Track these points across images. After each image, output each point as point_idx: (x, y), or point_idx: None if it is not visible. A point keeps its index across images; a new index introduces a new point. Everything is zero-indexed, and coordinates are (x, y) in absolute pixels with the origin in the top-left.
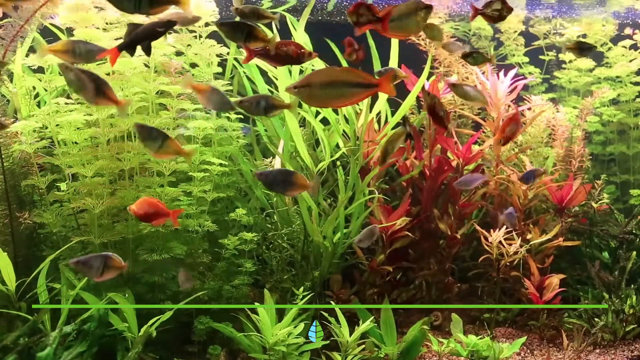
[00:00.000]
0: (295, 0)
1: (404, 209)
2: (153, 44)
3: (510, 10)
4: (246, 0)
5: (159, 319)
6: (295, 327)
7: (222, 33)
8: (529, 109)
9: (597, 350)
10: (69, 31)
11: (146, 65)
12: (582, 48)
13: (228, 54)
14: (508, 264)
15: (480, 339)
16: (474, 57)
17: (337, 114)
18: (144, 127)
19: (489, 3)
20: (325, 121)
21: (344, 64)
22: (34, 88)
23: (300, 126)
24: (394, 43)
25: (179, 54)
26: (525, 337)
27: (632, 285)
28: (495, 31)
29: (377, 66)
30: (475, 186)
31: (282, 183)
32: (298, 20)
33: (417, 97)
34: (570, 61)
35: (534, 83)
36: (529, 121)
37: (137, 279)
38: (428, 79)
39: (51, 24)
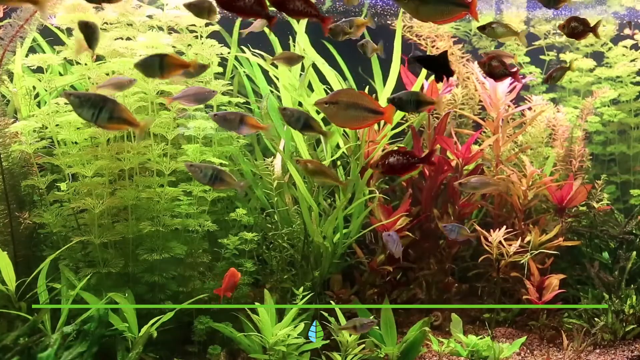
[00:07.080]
0: None
1: (404, 209)
2: (153, 44)
3: None
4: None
5: (159, 319)
6: (295, 327)
7: None
8: (530, 108)
9: (597, 351)
10: (69, 31)
11: None
12: None
13: (229, 53)
14: (510, 263)
15: (480, 339)
16: None
17: None
18: None
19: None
20: (325, 121)
21: (342, 64)
22: (34, 88)
23: None
24: (397, 43)
25: (179, 54)
26: (525, 337)
27: (632, 285)
28: None
29: (375, 65)
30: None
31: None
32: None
33: None
34: (571, 61)
35: (534, 83)
36: (529, 121)
37: (137, 279)
38: (427, 78)
39: (51, 24)
